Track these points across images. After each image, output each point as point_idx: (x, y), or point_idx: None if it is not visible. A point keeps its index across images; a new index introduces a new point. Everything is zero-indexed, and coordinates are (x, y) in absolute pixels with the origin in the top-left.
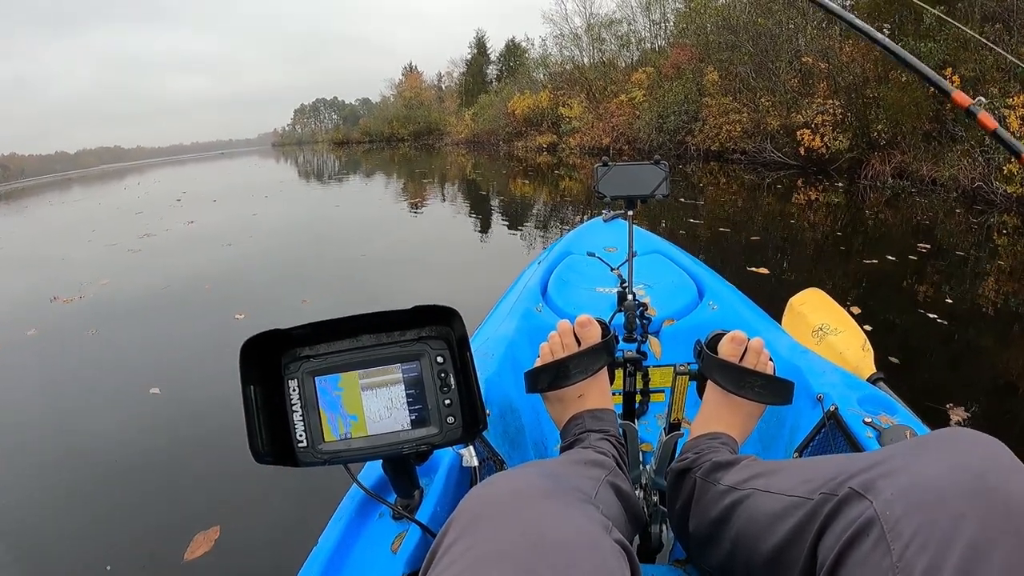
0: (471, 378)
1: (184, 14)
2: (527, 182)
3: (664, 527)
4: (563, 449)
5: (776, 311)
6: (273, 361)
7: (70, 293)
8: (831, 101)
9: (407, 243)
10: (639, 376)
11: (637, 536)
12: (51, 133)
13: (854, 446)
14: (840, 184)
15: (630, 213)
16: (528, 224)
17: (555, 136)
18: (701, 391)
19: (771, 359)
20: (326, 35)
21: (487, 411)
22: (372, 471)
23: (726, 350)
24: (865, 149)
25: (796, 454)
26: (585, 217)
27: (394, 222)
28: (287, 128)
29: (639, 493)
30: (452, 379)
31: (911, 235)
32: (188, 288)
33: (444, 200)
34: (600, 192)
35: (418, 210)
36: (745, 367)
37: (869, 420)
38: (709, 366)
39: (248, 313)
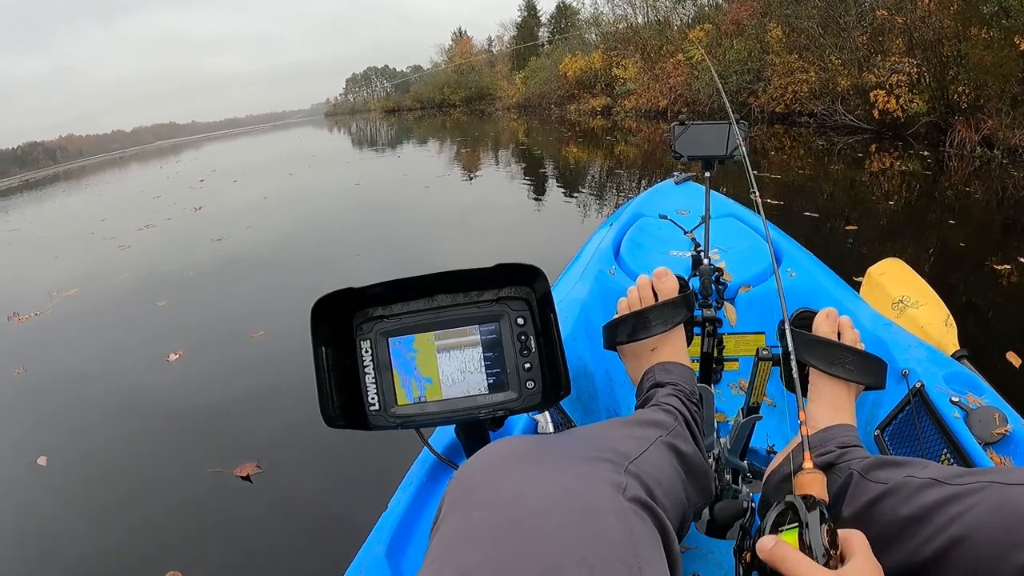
0: (554, 340)
1: None
2: (581, 147)
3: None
4: (637, 408)
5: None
6: (345, 321)
7: (33, 308)
8: (907, 59)
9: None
10: (713, 341)
11: (706, 510)
12: (106, 114)
13: (940, 425)
14: (925, 152)
15: (707, 174)
16: (583, 190)
17: (609, 99)
18: (786, 375)
19: (861, 341)
20: (375, 6)
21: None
22: (443, 435)
23: (824, 329)
24: (944, 113)
25: (878, 431)
26: (643, 184)
27: (448, 199)
28: (339, 98)
29: (711, 464)
30: (532, 342)
31: (998, 209)
32: (141, 305)
33: (498, 165)
34: (677, 152)
35: (473, 175)
36: (839, 343)
37: (956, 399)
38: (799, 345)
39: (184, 351)
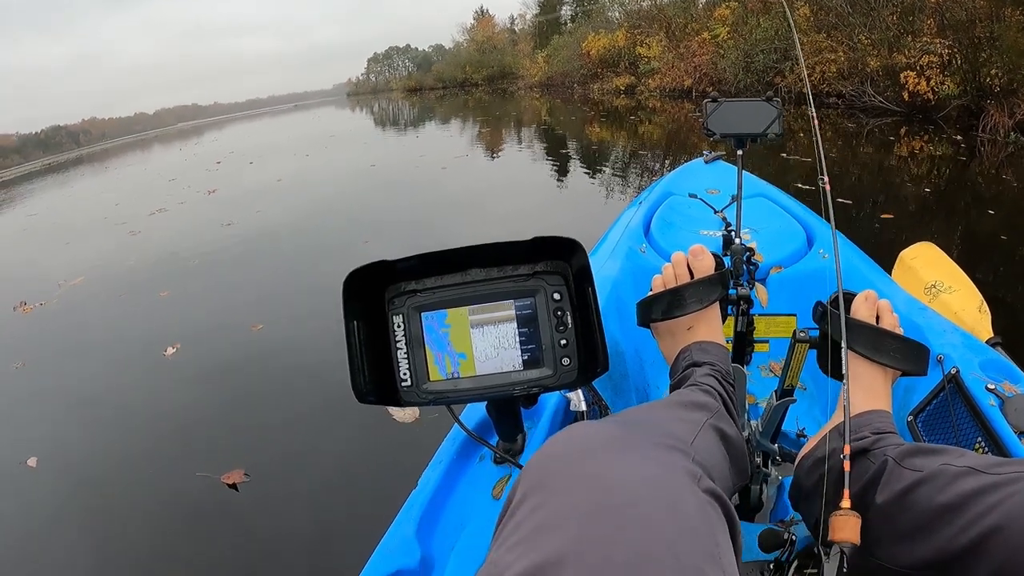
0: (592, 316)
1: None
2: (604, 127)
3: (763, 487)
4: (672, 388)
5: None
6: (377, 296)
7: (41, 296)
8: (939, 40)
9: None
10: (746, 320)
11: (736, 494)
12: (129, 98)
13: (975, 413)
14: (958, 136)
15: (739, 153)
16: (606, 170)
17: (633, 77)
18: (823, 358)
19: (900, 326)
20: None
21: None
22: (473, 412)
23: (863, 312)
24: (976, 96)
25: (911, 417)
26: (667, 164)
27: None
28: (361, 78)
29: None
30: (569, 318)
31: None
32: (143, 295)
33: (520, 145)
34: (709, 130)
35: (494, 155)
36: (883, 329)
37: (992, 387)
38: (838, 328)
39: (181, 344)
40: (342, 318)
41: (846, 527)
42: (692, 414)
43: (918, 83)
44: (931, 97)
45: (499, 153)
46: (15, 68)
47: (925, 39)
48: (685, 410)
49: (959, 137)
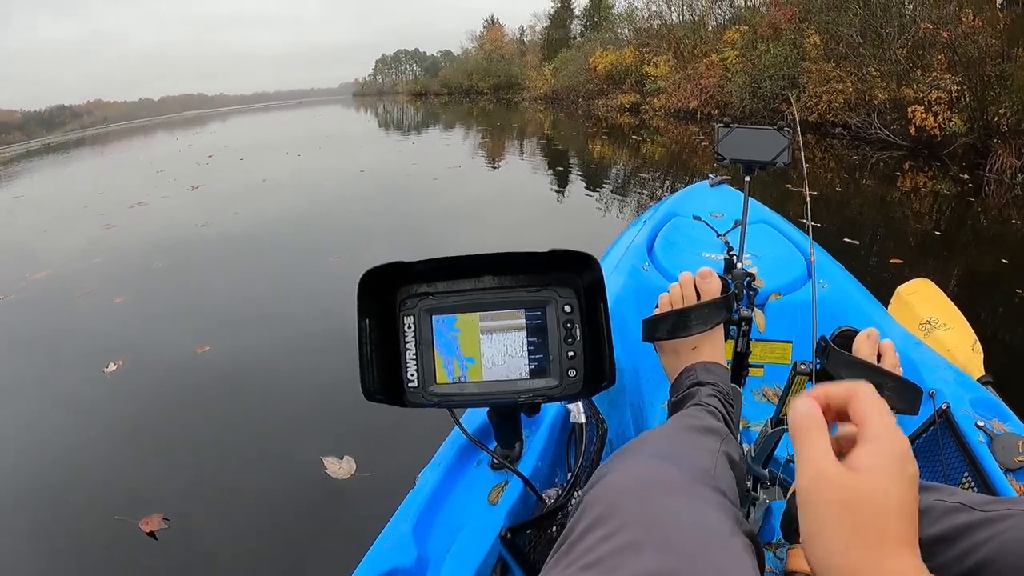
0: (602, 330)
1: None
2: (606, 144)
3: (751, 509)
4: (673, 404)
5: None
6: (389, 296)
7: (5, 288)
8: (948, 76)
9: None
10: (746, 342)
11: None
12: (135, 82)
13: (964, 448)
14: (965, 175)
15: (747, 179)
16: (604, 188)
17: (638, 96)
18: None
19: (900, 365)
20: None
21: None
22: (472, 416)
23: (864, 350)
24: (982, 134)
25: None
26: (667, 186)
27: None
28: (367, 78)
29: None
30: (578, 330)
31: None
32: (99, 298)
33: (521, 157)
34: (720, 154)
35: (493, 166)
36: (881, 368)
37: (981, 424)
38: (839, 364)
39: (124, 362)
40: (289, 350)
41: (798, 557)
42: (707, 441)
43: (925, 118)
44: (937, 133)
45: (496, 166)
46: (23, 46)
47: (935, 74)
48: (701, 436)
49: (965, 176)
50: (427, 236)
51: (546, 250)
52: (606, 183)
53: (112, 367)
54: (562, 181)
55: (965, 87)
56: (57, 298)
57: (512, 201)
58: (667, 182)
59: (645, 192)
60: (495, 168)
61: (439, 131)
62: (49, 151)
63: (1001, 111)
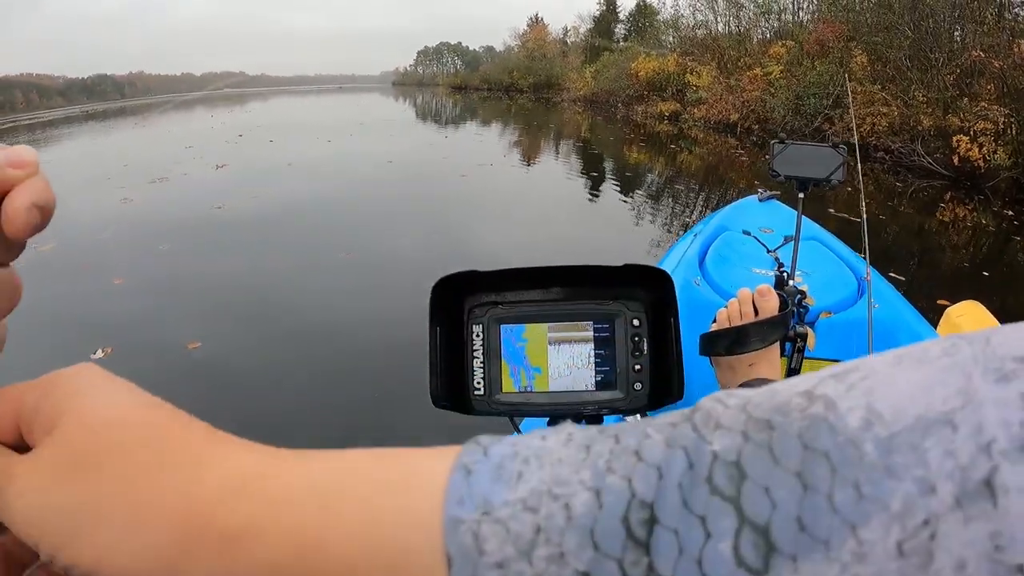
0: (672, 345)
1: None
2: (642, 152)
3: None
4: None
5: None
6: (458, 304)
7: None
8: (996, 107)
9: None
10: (801, 359)
11: None
12: (178, 56)
13: None
14: (1010, 211)
15: (801, 196)
16: (636, 198)
17: (678, 105)
18: None
19: None
20: None
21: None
22: (527, 426)
23: None
24: None
25: None
26: (701, 198)
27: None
28: (408, 68)
29: None
30: (646, 344)
31: None
32: (99, 277)
33: (556, 158)
34: (775, 171)
35: (527, 166)
36: None
37: None
38: None
39: (114, 349)
40: (278, 351)
41: None
42: None
43: (970, 148)
44: (981, 165)
45: (528, 167)
46: (67, 11)
47: (983, 104)
48: None
49: (1010, 212)
50: (443, 242)
51: (619, 264)
52: (638, 192)
53: (100, 354)
54: (593, 189)
55: (1013, 119)
56: (60, 271)
57: (537, 206)
58: (703, 196)
59: (679, 205)
60: (526, 171)
61: (475, 126)
62: (88, 119)
63: None
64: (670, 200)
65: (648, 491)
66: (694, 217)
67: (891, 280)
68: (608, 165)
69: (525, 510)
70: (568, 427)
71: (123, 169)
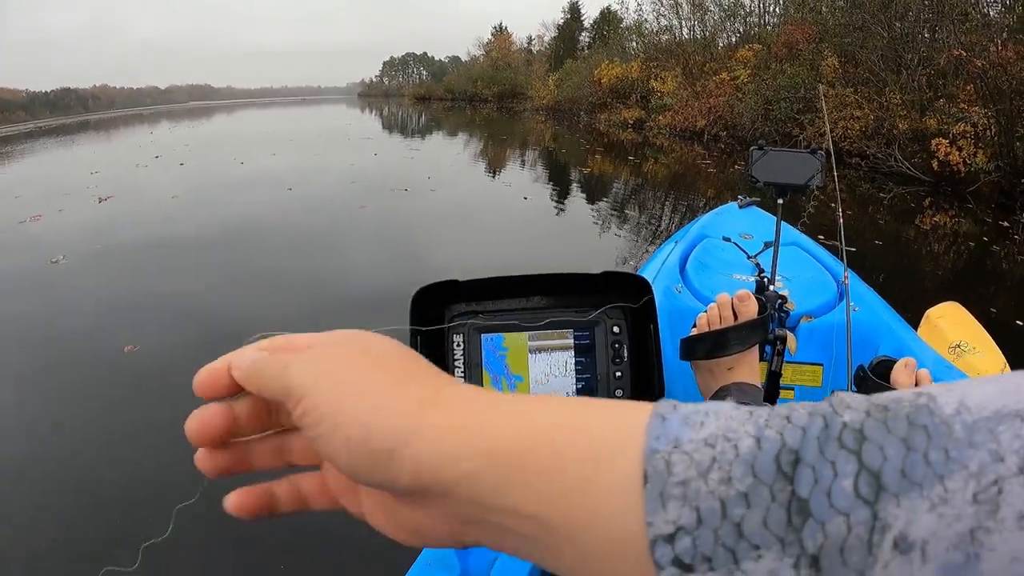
0: (651, 351)
1: None
2: (606, 160)
3: None
4: None
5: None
6: (438, 314)
7: None
8: (976, 108)
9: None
10: (780, 361)
11: None
12: (142, 69)
13: None
14: (1003, 222)
15: (780, 202)
16: (603, 202)
17: (643, 112)
18: None
19: None
20: None
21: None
22: None
23: (902, 379)
24: (1009, 172)
25: None
26: (669, 208)
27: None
28: (374, 79)
29: None
30: (626, 351)
31: None
32: None
33: (492, 184)
34: (753, 177)
35: (451, 191)
36: None
37: None
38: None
39: None
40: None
41: None
42: None
43: (950, 152)
44: (961, 169)
45: (456, 189)
46: (30, 27)
47: (962, 105)
48: None
49: (1004, 222)
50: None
51: (598, 272)
52: (602, 199)
53: None
54: (560, 199)
55: (993, 120)
56: None
57: (474, 229)
58: (667, 203)
59: (643, 213)
60: (451, 195)
61: (421, 140)
62: (26, 138)
63: None
64: (626, 226)
65: (795, 442)
66: (654, 243)
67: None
68: (560, 188)
69: (705, 446)
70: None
71: (13, 201)
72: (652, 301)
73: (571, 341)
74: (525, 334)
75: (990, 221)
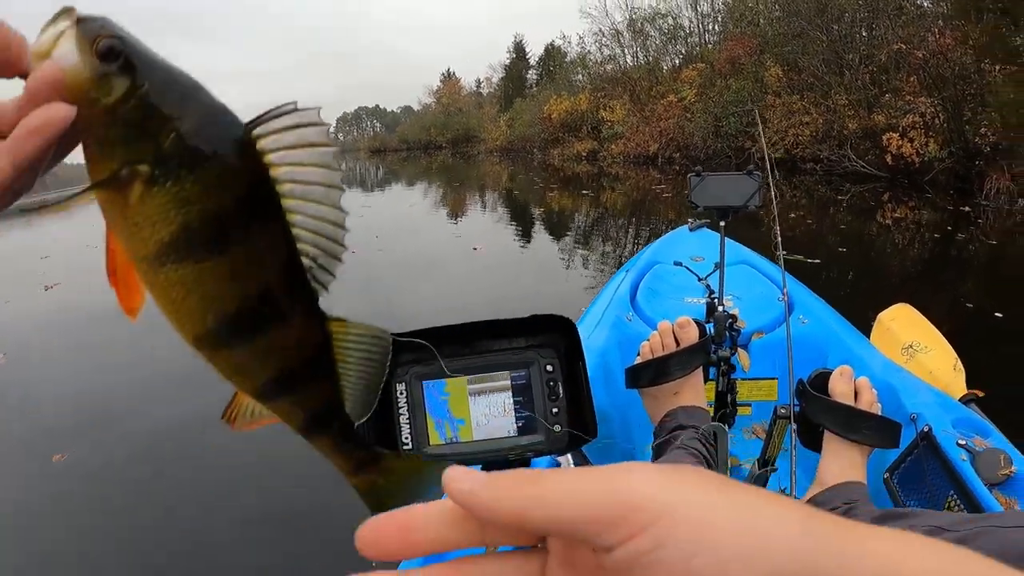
0: (582, 388)
1: (219, 33)
2: (563, 196)
3: None
4: (656, 447)
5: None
6: None
7: None
8: (922, 99)
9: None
10: (727, 381)
11: None
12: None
13: (947, 468)
14: (966, 207)
15: (722, 224)
16: (565, 238)
17: (595, 143)
18: (803, 433)
19: (878, 400)
20: (367, 46)
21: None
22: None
23: (839, 390)
24: (962, 157)
25: (887, 474)
26: (631, 235)
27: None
28: (330, 137)
29: None
30: (560, 387)
31: None
32: None
33: (484, 213)
34: (693, 203)
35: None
36: (858, 409)
37: (963, 442)
38: (817, 409)
39: None
40: None
41: None
42: None
43: (902, 145)
44: (916, 160)
45: (405, 247)
46: None
47: (908, 98)
48: None
49: (964, 207)
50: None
51: (526, 315)
52: (564, 235)
53: None
54: (525, 235)
55: (939, 108)
56: None
57: (420, 285)
58: (629, 230)
59: (607, 242)
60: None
61: (375, 197)
62: None
63: (980, 130)
64: (588, 260)
65: None
66: (605, 274)
67: (808, 266)
68: (519, 229)
69: None
70: None
71: None
72: (578, 339)
73: (509, 382)
74: (465, 378)
75: (951, 208)
